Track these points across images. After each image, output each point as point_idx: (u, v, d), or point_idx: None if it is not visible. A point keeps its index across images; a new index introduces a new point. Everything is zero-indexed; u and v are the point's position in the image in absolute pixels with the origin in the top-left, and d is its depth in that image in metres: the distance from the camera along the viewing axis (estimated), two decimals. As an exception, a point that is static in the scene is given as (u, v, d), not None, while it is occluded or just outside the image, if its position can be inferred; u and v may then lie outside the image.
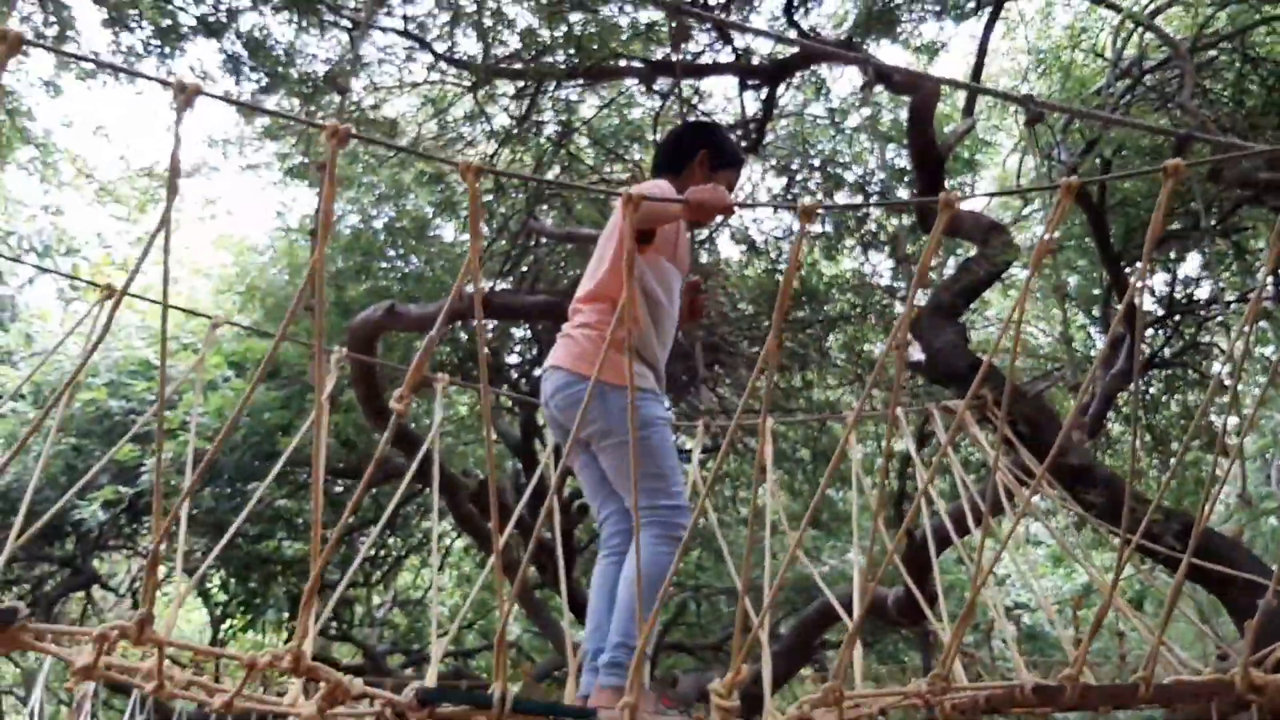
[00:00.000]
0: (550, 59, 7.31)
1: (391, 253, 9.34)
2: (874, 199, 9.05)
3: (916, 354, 8.37)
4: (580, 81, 7.88)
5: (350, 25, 7.66)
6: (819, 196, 9.03)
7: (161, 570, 3.09)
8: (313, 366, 2.39)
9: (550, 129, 8.25)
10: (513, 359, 10.58)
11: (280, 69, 7.67)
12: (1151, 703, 2.86)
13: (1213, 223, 8.19)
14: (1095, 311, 10.41)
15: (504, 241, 8.55)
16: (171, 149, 2.21)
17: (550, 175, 8.63)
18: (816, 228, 9.05)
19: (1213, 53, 7.97)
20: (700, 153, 3.47)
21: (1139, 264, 8.88)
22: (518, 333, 10.39)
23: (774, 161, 9.12)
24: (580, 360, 3.25)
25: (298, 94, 7.48)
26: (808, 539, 11.97)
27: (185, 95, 2.20)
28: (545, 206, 8.70)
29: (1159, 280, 9.97)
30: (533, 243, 8.72)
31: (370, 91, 8.20)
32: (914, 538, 6.45)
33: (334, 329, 8.01)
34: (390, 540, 12.50)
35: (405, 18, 7.59)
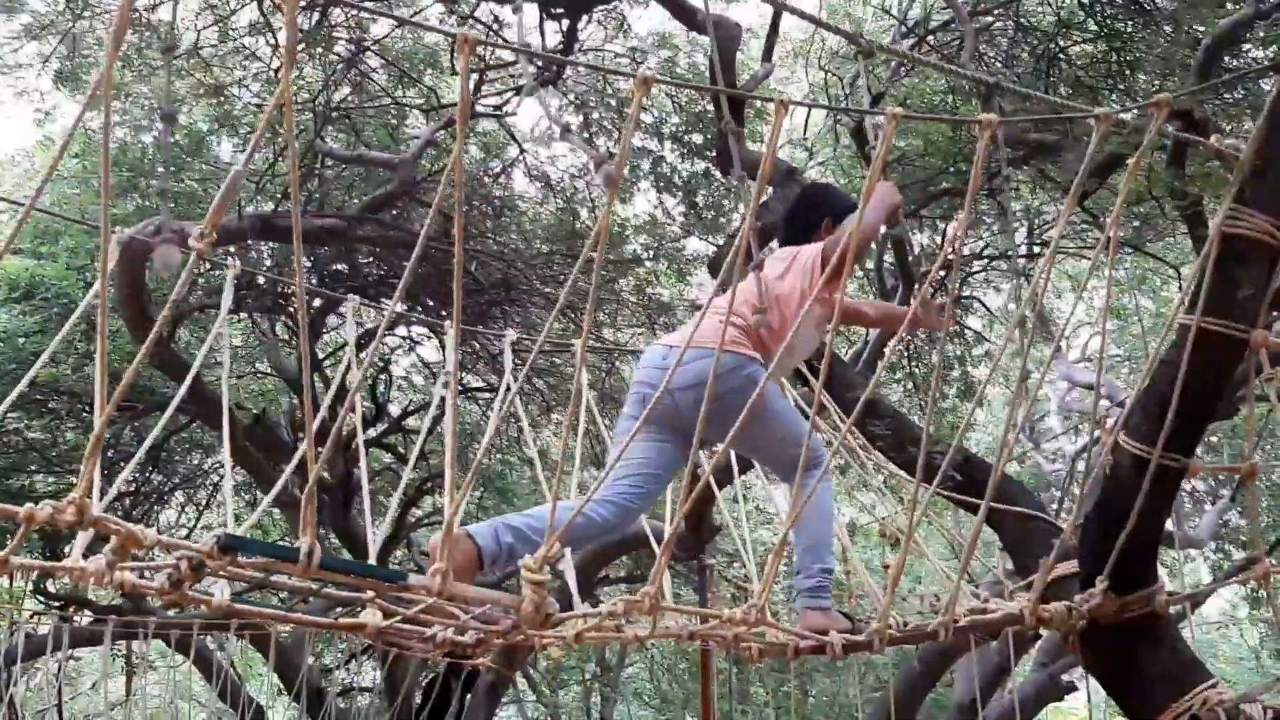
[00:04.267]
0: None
1: (162, 170, 8.73)
2: (669, 143, 9.12)
3: (704, 299, 8.52)
4: (375, -1, 7.56)
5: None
6: (615, 136, 9.03)
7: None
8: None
9: (341, 46, 7.89)
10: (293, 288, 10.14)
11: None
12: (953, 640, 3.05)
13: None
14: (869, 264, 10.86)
15: (285, 163, 8.14)
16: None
17: (339, 96, 8.27)
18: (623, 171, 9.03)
19: (989, 19, 8.39)
20: (825, 220, 3.77)
21: (921, 216, 9.34)
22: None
23: (572, 97, 9.05)
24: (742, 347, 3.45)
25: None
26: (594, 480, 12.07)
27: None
28: (332, 128, 8.34)
29: (928, 235, 10.50)
30: (319, 165, 8.35)
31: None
32: (697, 475, 6.59)
33: (97, 251, 7.46)
34: (153, 476, 11.82)
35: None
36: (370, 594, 2.63)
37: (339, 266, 9.49)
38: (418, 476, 11.56)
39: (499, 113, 8.88)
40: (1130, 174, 2.89)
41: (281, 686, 11.51)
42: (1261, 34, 6.64)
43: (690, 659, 15.92)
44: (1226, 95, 7.29)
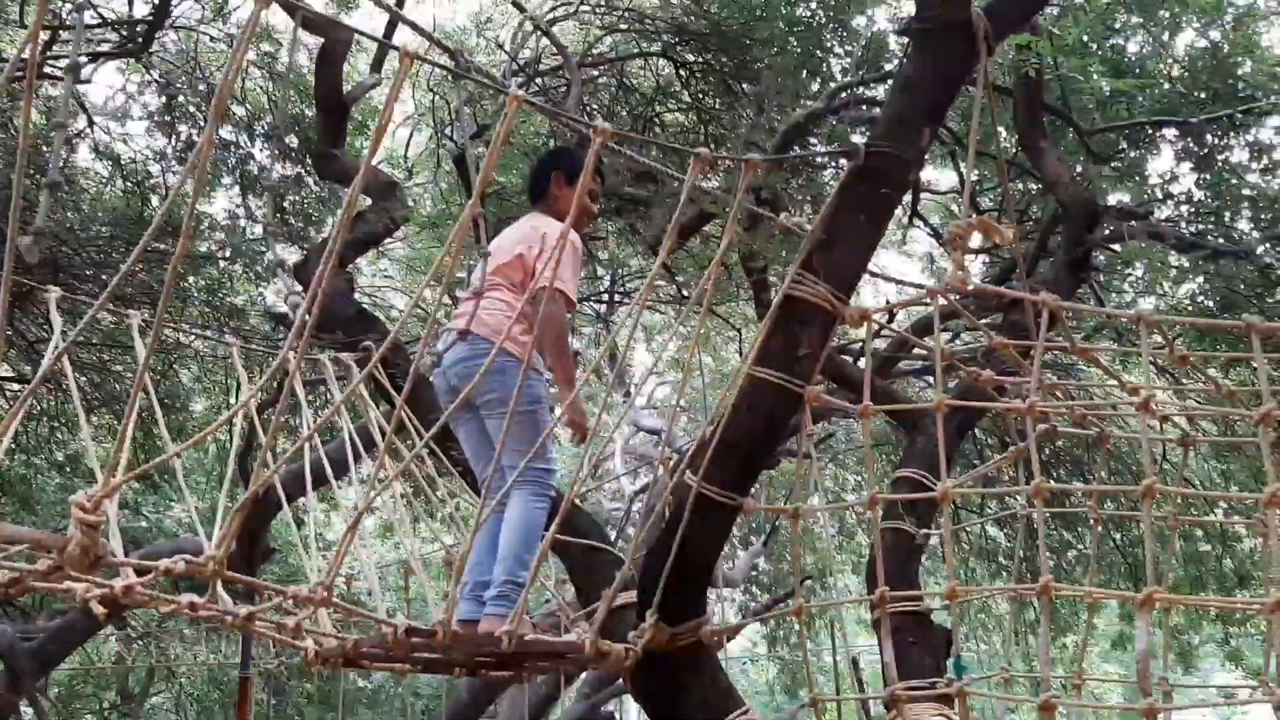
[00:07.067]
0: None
1: None
2: (260, 139, 8.66)
3: (282, 306, 8.14)
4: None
5: None
6: (202, 124, 8.44)
7: None
8: None
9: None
10: None
11: None
12: (514, 655, 3.03)
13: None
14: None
15: None
16: None
17: None
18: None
19: (595, 72, 8.75)
20: (553, 174, 4.01)
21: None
22: None
23: (156, 74, 8.35)
24: (493, 331, 3.61)
25: None
26: (129, 494, 11.15)
27: None
28: None
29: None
30: None
31: None
32: (261, 497, 6.25)
33: None
34: None
35: None
36: None
37: None
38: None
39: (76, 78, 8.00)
40: (729, 228, 3.11)
41: None
42: (828, 130, 7.42)
43: (224, 689, 14.97)
44: (792, 180, 8.05)
